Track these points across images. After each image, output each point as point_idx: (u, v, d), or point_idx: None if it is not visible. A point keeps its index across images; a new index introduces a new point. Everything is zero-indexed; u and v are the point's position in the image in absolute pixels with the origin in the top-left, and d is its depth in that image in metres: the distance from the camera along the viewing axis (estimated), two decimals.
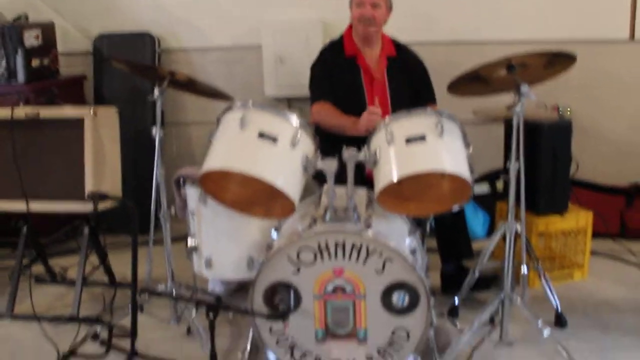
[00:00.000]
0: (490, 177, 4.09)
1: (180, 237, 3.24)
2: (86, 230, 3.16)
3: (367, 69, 3.25)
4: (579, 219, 3.45)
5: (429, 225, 2.99)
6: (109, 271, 3.39)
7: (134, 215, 2.54)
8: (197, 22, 4.27)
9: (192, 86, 2.85)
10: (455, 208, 2.53)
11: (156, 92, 2.73)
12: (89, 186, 3.02)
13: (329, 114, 3.14)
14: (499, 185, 3.97)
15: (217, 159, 2.39)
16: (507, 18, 4.00)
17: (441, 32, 4.06)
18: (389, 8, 3.26)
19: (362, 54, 3.27)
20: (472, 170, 2.42)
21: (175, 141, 4.43)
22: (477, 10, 4.03)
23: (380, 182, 2.37)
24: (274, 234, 2.66)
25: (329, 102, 3.17)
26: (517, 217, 2.78)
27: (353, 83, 3.22)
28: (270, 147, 2.36)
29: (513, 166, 2.63)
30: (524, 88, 2.50)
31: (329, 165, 2.41)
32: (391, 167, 2.35)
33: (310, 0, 4.07)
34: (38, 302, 3.12)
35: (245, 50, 4.22)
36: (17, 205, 3.10)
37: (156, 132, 2.78)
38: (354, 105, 3.14)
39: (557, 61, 2.57)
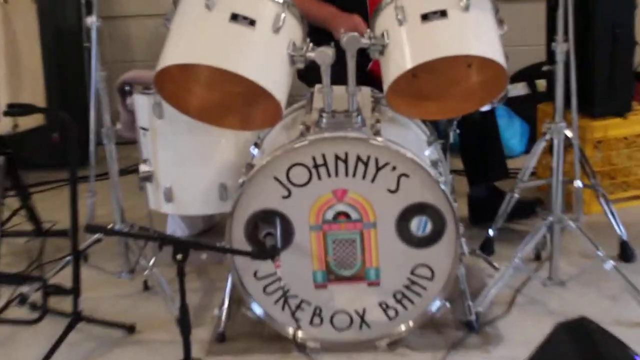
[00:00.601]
0: (528, 75, 4.19)
1: (128, 167, 3.32)
2: (1, 159, 3.22)
3: None
4: None
5: (452, 133, 3.06)
6: (33, 216, 3.47)
7: (72, 131, 2.59)
8: None
9: None
10: (486, 106, 2.62)
11: None
12: (2, 96, 3.07)
13: (305, 3, 3.19)
14: (540, 84, 4.07)
15: (177, 52, 2.42)
16: None
17: None
18: None
19: None
20: (507, 57, 2.49)
21: (109, 42, 4.46)
22: None
23: (390, 74, 2.42)
24: (254, 151, 2.74)
25: None
26: (566, 120, 2.87)
27: None
28: (246, 33, 2.39)
29: (560, 47, 2.71)
30: None
31: (324, 55, 2.46)
32: (404, 53, 2.40)
33: None
34: None
35: None
36: None
37: (92, 21, 2.82)
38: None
39: None
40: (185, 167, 2.97)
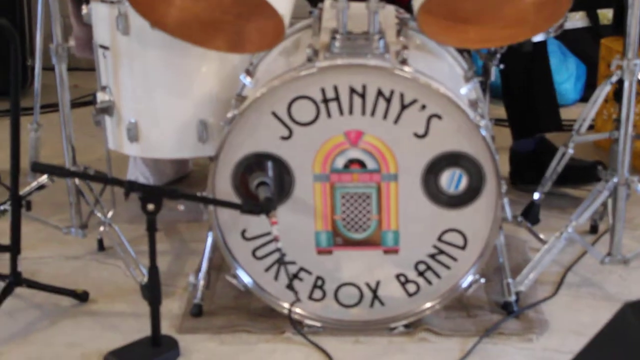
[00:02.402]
0: (588, 3, 4.22)
1: (81, 97, 3.33)
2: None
3: None
4: None
5: (494, 73, 3.08)
6: None
7: (13, 42, 2.59)
8: None
9: None
10: (539, 36, 2.66)
11: None
12: None
13: None
14: (604, 15, 4.09)
15: None
16: None
17: None
18: None
19: None
20: None
21: None
22: None
23: None
24: (246, 80, 2.73)
25: None
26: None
27: None
28: None
29: None
30: None
31: None
32: None
33: None
34: None
35: None
36: None
37: None
38: None
39: None
40: (156, 98, 2.98)
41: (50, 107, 3.06)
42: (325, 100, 2.51)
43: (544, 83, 3.45)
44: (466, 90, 2.71)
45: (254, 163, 2.56)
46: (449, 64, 2.82)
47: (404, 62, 2.50)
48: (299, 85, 2.50)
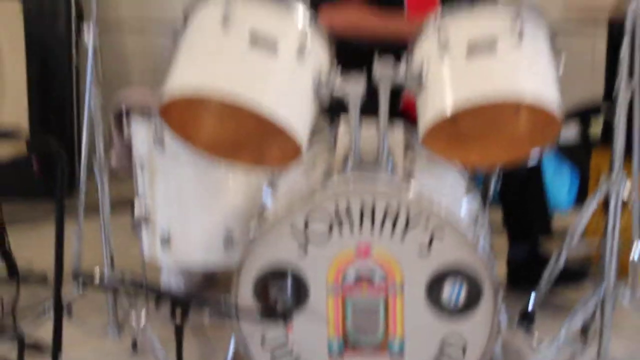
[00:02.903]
0: (581, 115, 4.15)
1: (121, 206, 3.28)
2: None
3: None
4: None
5: (494, 186, 3.04)
6: (7, 256, 3.43)
7: (62, 164, 2.55)
8: None
9: None
10: (534, 156, 2.57)
11: None
12: None
13: (355, 18, 3.15)
14: (596, 127, 4.03)
15: (188, 78, 2.37)
16: None
17: None
18: None
19: None
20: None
21: (100, 55, 4.44)
22: None
23: (428, 114, 2.39)
24: (268, 194, 2.70)
25: None
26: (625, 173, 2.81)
27: None
28: (267, 59, 2.36)
29: (623, 93, 2.66)
30: None
31: (354, 87, 2.42)
32: (444, 92, 2.38)
33: None
34: None
35: None
36: None
37: (89, 28, 2.81)
38: None
39: None
40: (187, 210, 2.96)
41: (94, 211, 2.97)
42: (339, 217, 2.44)
43: (537, 193, 3.39)
44: (467, 203, 2.67)
45: (273, 274, 2.49)
46: (452, 176, 2.76)
47: (409, 182, 2.49)
48: (315, 203, 2.44)
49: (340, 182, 2.48)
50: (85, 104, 2.88)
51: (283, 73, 2.39)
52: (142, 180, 3.01)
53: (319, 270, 2.49)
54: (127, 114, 3.02)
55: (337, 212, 2.43)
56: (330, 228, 2.44)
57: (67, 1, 4.03)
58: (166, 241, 2.95)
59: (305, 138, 2.43)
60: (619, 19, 2.68)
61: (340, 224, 2.44)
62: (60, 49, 4.04)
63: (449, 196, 2.60)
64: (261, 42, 2.35)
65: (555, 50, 2.50)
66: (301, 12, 2.44)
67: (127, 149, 3.11)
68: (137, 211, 3.00)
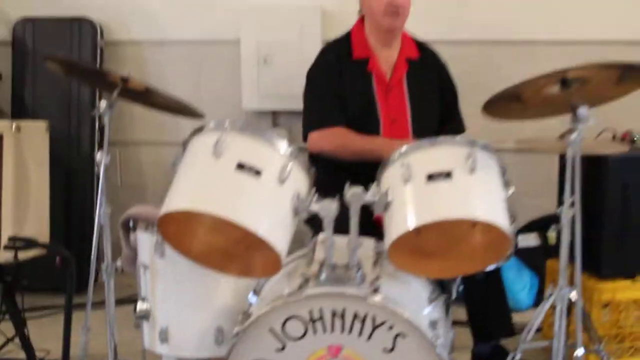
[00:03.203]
0: (540, 225, 4.27)
1: (127, 300, 3.37)
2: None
3: (381, 76, 3.45)
4: None
5: (456, 290, 3.12)
6: (26, 344, 3.48)
7: (71, 268, 2.67)
8: (153, 7, 4.47)
9: (149, 98, 3.01)
10: (490, 268, 2.69)
11: (103, 105, 2.89)
12: (7, 228, 3.17)
13: (341, 142, 3.35)
14: (552, 236, 4.14)
15: (182, 197, 2.54)
16: (565, 11, 4.21)
17: (475, 29, 4.27)
18: None
19: (376, 56, 3.46)
20: (513, 219, 2.58)
21: (121, 168, 4.60)
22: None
23: (392, 232, 2.53)
24: (253, 299, 2.80)
25: (338, 124, 3.37)
26: (571, 281, 2.90)
27: (363, 95, 3.41)
28: (252, 183, 2.51)
29: (565, 213, 2.78)
30: (583, 111, 2.67)
31: (328, 208, 2.56)
32: (407, 213, 2.51)
33: None
34: None
35: (217, 47, 4.44)
36: None
37: (102, 157, 2.92)
38: (364, 123, 3.35)
39: (629, 76, 2.74)
40: (183, 308, 3.02)
41: (102, 303, 3.06)
42: (312, 320, 2.52)
43: (498, 298, 3.43)
44: (429, 310, 2.74)
45: None
46: (416, 288, 2.83)
47: (376, 290, 2.55)
48: (292, 308, 2.53)
49: (313, 290, 2.56)
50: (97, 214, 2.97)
51: (264, 194, 2.53)
52: (144, 281, 3.09)
53: None
54: (134, 226, 3.14)
55: (311, 317, 2.52)
56: (305, 330, 2.53)
57: (92, 124, 4.23)
58: (164, 335, 3.00)
59: (284, 250, 2.55)
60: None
61: (314, 327, 2.52)
62: (83, 165, 4.22)
63: (412, 303, 2.67)
64: (247, 168, 2.51)
65: (505, 179, 2.64)
66: (284, 144, 2.59)
67: (133, 254, 3.20)
68: (139, 308, 3.06)
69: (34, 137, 3.34)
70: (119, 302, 3.23)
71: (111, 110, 2.92)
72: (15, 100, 4.49)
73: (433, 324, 2.65)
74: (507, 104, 2.79)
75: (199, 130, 2.66)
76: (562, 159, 3.31)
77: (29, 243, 2.98)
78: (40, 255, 3.21)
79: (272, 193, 2.54)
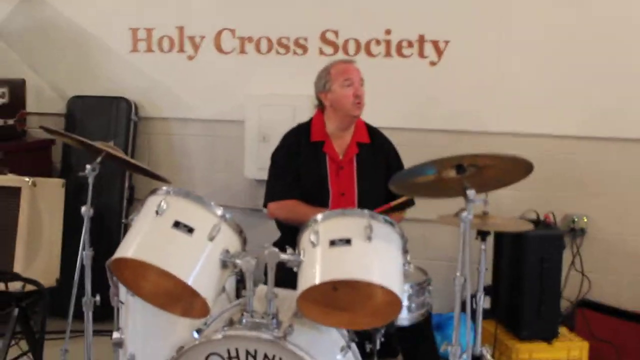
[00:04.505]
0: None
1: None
2: (15, 312, 3.36)
3: (333, 157, 3.45)
4: (571, 349, 3.49)
5: (379, 341, 3.04)
6: None
7: (44, 306, 2.70)
8: (179, 91, 4.58)
9: (129, 164, 3.08)
10: (389, 322, 2.67)
11: (88, 167, 2.96)
12: (17, 266, 3.25)
13: (291, 212, 3.36)
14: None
15: (128, 247, 2.56)
16: (518, 108, 4.17)
17: (440, 119, 4.24)
18: None
19: (331, 140, 3.47)
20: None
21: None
22: (486, 97, 4.20)
23: (301, 286, 2.50)
24: (195, 335, 2.77)
25: (291, 198, 3.38)
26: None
27: (317, 172, 3.42)
28: (183, 238, 2.52)
29: (458, 280, 2.71)
30: (471, 193, 2.63)
31: (247, 263, 2.56)
32: (312, 271, 2.49)
33: (299, 74, 4.27)
34: None
35: (227, 125, 4.49)
36: None
37: (86, 210, 2.99)
38: (316, 195, 3.33)
39: (515, 167, 2.70)
40: (148, 339, 3.01)
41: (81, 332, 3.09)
42: (230, 358, 2.52)
43: (428, 346, 3.30)
44: (339, 357, 2.69)
45: None
46: (332, 337, 2.77)
47: (287, 334, 2.52)
48: (213, 345, 2.54)
49: (233, 332, 2.55)
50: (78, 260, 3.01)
51: (195, 249, 2.54)
52: (121, 314, 3.09)
53: None
54: None
55: (229, 355, 2.52)
56: None
57: (121, 179, 4.34)
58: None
59: (211, 296, 2.53)
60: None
61: None
62: (111, 215, 4.34)
63: (321, 349, 2.64)
64: (182, 226, 2.53)
65: (405, 248, 2.63)
66: (219, 209, 2.61)
67: (116, 291, 3.24)
68: (114, 337, 3.06)
69: (50, 192, 3.44)
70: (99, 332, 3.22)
71: (94, 172, 2.99)
72: (64, 161, 4.61)
73: None
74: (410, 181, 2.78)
75: (153, 192, 2.70)
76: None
77: (13, 276, 3.04)
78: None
79: (202, 248, 2.54)
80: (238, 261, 2.57)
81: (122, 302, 3.10)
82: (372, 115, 4.01)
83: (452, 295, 2.69)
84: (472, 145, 4.00)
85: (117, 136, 4.51)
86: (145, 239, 2.57)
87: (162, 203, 2.57)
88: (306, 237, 2.60)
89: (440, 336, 3.70)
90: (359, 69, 3.50)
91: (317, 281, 2.46)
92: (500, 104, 4.18)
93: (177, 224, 2.54)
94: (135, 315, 3.04)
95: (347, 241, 2.51)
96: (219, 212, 2.61)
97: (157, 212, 2.57)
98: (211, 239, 2.55)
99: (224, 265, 2.58)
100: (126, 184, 4.50)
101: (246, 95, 4.43)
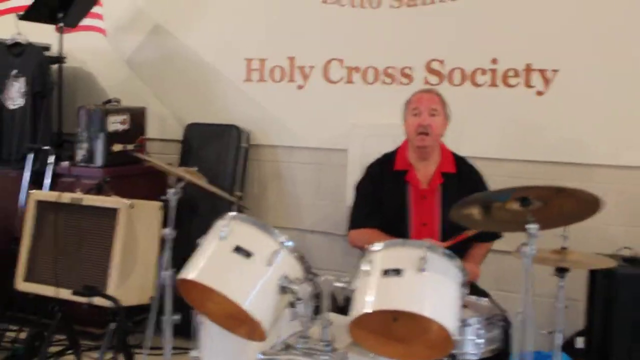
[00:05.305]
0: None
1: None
2: (111, 326, 3.58)
3: (416, 185, 3.45)
4: None
5: None
6: None
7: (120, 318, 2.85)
8: (288, 119, 4.73)
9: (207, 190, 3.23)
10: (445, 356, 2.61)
11: (169, 192, 3.14)
12: (111, 286, 3.47)
13: (368, 241, 3.33)
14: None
15: (192, 269, 2.68)
16: (622, 140, 4.00)
17: (542, 150, 4.13)
18: (447, 117, 3.49)
19: (414, 169, 3.48)
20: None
21: None
22: (588, 127, 4.07)
23: (351, 314, 2.53)
24: (260, 357, 2.85)
25: (370, 227, 3.41)
26: None
27: (399, 201, 3.43)
28: (242, 263, 2.62)
29: (516, 317, 2.65)
30: (533, 228, 2.57)
31: (303, 289, 2.61)
32: (361, 300, 2.51)
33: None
34: None
35: (332, 154, 4.58)
36: (50, 291, 3.65)
37: (168, 232, 3.16)
38: (397, 225, 3.35)
39: (582, 203, 2.62)
40: (222, 358, 3.13)
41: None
42: None
43: None
44: None
45: None
46: None
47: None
48: None
49: (286, 357, 2.63)
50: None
51: (251, 273, 2.63)
52: (200, 333, 3.18)
53: None
54: None
55: None
56: None
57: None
58: None
59: (268, 321, 2.61)
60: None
61: None
62: None
63: None
64: (241, 250, 2.63)
65: (464, 283, 2.59)
66: (280, 236, 2.68)
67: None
68: (192, 355, 3.15)
69: (147, 214, 3.63)
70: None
71: (175, 197, 3.16)
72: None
73: None
74: (472, 210, 2.74)
75: (220, 217, 2.81)
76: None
77: (93, 292, 3.24)
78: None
79: (259, 273, 2.63)
80: (295, 287, 2.64)
81: (200, 322, 3.23)
82: (474, 145, 4.02)
83: None
84: (578, 178, 3.86)
85: (228, 162, 4.69)
86: (206, 262, 2.68)
87: (226, 228, 2.68)
88: (361, 266, 2.62)
89: None
90: (436, 98, 3.49)
91: (366, 310, 2.48)
92: (610, 135, 4.02)
93: (237, 249, 2.64)
94: (212, 335, 3.15)
95: (398, 271, 2.51)
96: (280, 238, 2.68)
97: (220, 237, 2.68)
98: (269, 263, 2.63)
99: (283, 290, 2.64)
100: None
101: (351, 125, 4.49)
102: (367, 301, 2.50)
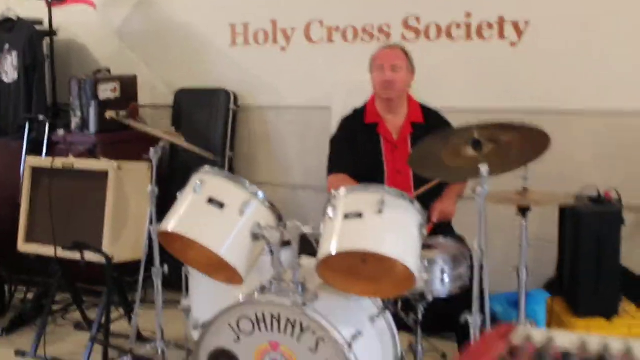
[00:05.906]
0: None
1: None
2: (109, 280, 3.80)
3: (388, 137, 3.62)
4: (633, 326, 3.45)
5: (421, 313, 3.16)
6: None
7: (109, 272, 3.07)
8: (273, 81, 4.90)
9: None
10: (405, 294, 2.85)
11: (151, 151, 3.33)
12: (105, 244, 3.68)
13: (342, 184, 3.53)
14: None
15: (170, 221, 2.88)
16: (604, 83, 4.12)
17: (518, 99, 4.27)
18: (411, 71, 3.66)
19: (384, 121, 3.65)
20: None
21: None
22: (560, 75, 4.20)
23: (317, 257, 2.72)
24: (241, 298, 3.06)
25: (344, 173, 3.58)
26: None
27: (372, 152, 3.61)
28: (215, 213, 2.81)
29: (475, 255, 2.83)
30: (483, 168, 2.73)
31: (272, 235, 2.82)
32: (327, 242, 2.69)
33: None
34: (71, 348, 3.86)
35: (316, 111, 4.75)
36: (48, 250, 3.86)
37: (151, 189, 3.36)
38: (373, 175, 3.52)
39: (529, 139, 2.77)
40: (208, 305, 3.25)
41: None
42: (257, 321, 2.77)
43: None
44: (363, 324, 2.85)
45: (220, 354, 2.85)
46: (364, 305, 2.95)
47: (311, 300, 2.75)
48: (243, 309, 2.80)
49: (260, 297, 2.80)
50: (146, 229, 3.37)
51: (225, 222, 2.83)
52: (190, 286, 3.46)
53: (248, 354, 2.81)
54: None
55: (257, 318, 2.77)
56: (253, 327, 2.78)
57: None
58: (196, 326, 3.32)
59: (243, 266, 2.81)
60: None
61: (259, 325, 2.77)
62: None
63: (346, 316, 2.83)
64: (214, 202, 2.82)
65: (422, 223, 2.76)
66: (250, 186, 2.87)
67: None
68: (183, 303, 3.44)
69: (135, 175, 3.82)
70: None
71: (157, 155, 3.35)
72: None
73: (355, 336, 2.72)
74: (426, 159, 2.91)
75: (196, 171, 3.00)
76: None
77: (84, 246, 3.45)
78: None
79: (232, 222, 2.83)
80: (266, 233, 2.83)
81: (188, 273, 3.44)
82: (452, 98, 4.18)
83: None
84: (553, 125, 3.98)
85: (218, 124, 4.88)
86: (182, 214, 2.88)
87: (201, 181, 2.87)
88: (326, 211, 2.80)
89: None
90: (398, 53, 3.65)
91: (330, 252, 2.66)
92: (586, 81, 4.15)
93: (210, 200, 2.83)
94: (198, 283, 3.38)
95: (359, 215, 2.69)
96: (252, 189, 2.87)
97: (194, 190, 2.87)
98: (241, 213, 2.82)
99: (255, 237, 2.84)
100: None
101: (333, 82, 4.65)
102: (330, 244, 2.68)
